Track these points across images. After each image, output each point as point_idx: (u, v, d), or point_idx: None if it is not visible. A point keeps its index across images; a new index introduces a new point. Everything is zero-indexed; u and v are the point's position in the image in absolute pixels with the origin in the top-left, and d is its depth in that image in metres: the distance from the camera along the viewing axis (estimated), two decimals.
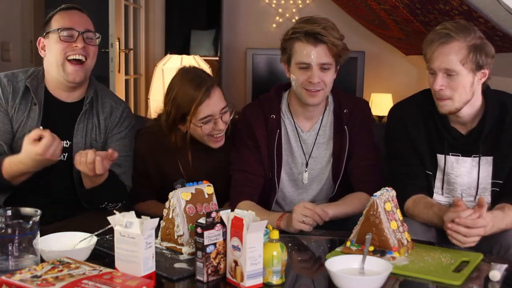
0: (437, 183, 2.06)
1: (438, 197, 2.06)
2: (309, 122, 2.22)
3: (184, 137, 2.16)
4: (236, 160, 2.20)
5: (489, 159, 1.99)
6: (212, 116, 2.09)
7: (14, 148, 2.01)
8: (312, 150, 2.21)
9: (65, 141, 2.03)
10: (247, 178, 2.15)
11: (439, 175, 2.05)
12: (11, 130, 2.02)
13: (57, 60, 1.99)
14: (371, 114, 2.33)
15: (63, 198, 2.06)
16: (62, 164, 2.02)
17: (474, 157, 1.99)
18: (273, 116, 2.19)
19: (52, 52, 2.01)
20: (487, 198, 1.99)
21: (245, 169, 2.16)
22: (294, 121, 2.21)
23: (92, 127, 2.09)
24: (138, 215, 2.20)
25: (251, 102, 2.30)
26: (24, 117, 2.02)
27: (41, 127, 1.88)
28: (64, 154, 2.03)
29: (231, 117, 2.17)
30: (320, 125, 2.22)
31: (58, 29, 1.99)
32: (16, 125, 2.02)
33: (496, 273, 1.48)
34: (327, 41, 2.03)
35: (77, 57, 1.99)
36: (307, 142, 2.21)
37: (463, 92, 1.90)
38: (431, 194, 2.05)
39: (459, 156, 2.01)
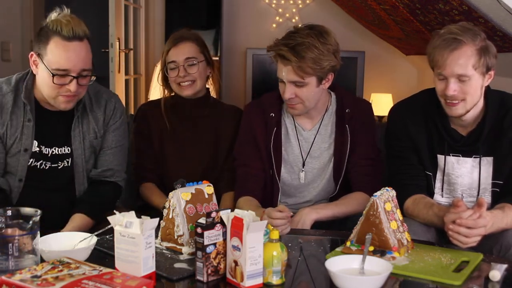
0: (437, 184, 2.06)
1: (438, 197, 2.06)
2: (311, 121, 2.23)
3: (169, 89, 2.42)
4: (239, 155, 2.27)
5: (490, 159, 1.98)
6: (176, 63, 2.33)
7: (7, 164, 1.97)
8: (310, 149, 2.22)
9: (65, 147, 2.01)
10: (249, 173, 2.21)
11: (439, 175, 2.05)
12: (3, 149, 1.95)
13: (49, 93, 1.91)
14: (373, 114, 2.33)
15: (65, 199, 2.03)
16: (66, 170, 2.02)
17: (474, 157, 1.99)
18: (272, 115, 2.22)
19: (43, 81, 1.90)
20: (487, 198, 1.99)
21: (247, 163, 2.22)
22: (294, 120, 2.23)
23: (88, 128, 2.04)
24: (142, 202, 2.29)
25: (253, 100, 2.35)
26: (18, 133, 1.94)
27: None
28: (67, 160, 2.02)
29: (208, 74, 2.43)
30: (321, 124, 2.23)
31: (52, 71, 1.85)
32: (9, 142, 1.95)
33: (496, 273, 1.48)
34: (292, 65, 2.04)
35: (69, 93, 1.90)
36: (309, 140, 2.23)
37: (475, 95, 1.90)
38: (431, 195, 2.05)
39: (459, 156, 2.01)
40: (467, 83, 1.87)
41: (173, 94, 2.44)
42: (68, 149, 2.02)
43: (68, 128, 2.02)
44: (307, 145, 2.23)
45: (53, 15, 1.91)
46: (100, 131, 2.07)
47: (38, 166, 1.98)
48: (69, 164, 2.03)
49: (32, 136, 1.96)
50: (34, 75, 1.96)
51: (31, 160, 1.97)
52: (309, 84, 2.08)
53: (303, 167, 2.23)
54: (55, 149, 2.00)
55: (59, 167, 2.01)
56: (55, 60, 1.86)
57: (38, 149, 1.98)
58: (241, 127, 2.31)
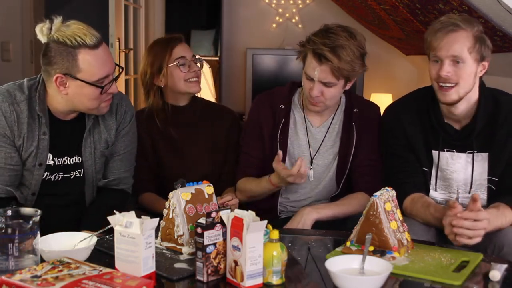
0: (432, 180, 2.06)
1: (433, 193, 2.07)
2: (320, 118, 2.24)
3: (160, 96, 2.38)
4: (243, 143, 2.31)
5: (485, 155, 1.99)
6: (186, 58, 2.32)
7: (23, 176, 1.92)
8: (319, 147, 2.22)
9: (76, 157, 1.98)
10: (251, 161, 2.25)
11: (434, 171, 2.05)
12: (20, 162, 1.89)
13: (91, 105, 1.87)
14: (380, 117, 2.33)
15: (77, 210, 2.02)
16: (78, 179, 2.00)
17: (468, 153, 2.00)
18: (282, 106, 2.23)
19: (83, 96, 1.85)
20: (483, 194, 2.01)
21: (250, 153, 2.26)
22: (304, 115, 2.24)
23: (99, 137, 2.00)
24: (142, 209, 2.26)
25: (265, 91, 2.35)
26: (34, 147, 1.89)
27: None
28: (78, 170, 1.99)
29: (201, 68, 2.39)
30: (331, 122, 2.24)
31: (97, 84, 1.83)
32: (25, 155, 1.89)
33: (496, 273, 1.48)
34: (331, 65, 2.02)
35: (110, 97, 1.91)
36: (316, 137, 2.23)
37: (467, 81, 1.92)
38: (428, 191, 2.06)
39: (453, 152, 2.02)
40: (461, 66, 1.90)
41: (156, 100, 2.39)
42: (79, 159, 1.99)
43: (80, 138, 1.98)
44: (316, 142, 2.23)
45: (55, 27, 1.80)
46: (112, 140, 2.03)
47: (53, 179, 1.95)
48: (81, 175, 2.00)
49: (47, 150, 1.91)
50: (45, 84, 1.90)
51: (46, 173, 1.93)
52: (338, 85, 2.09)
53: (311, 164, 2.23)
54: (66, 159, 1.96)
55: (71, 177, 1.98)
56: (94, 72, 1.81)
57: (52, 162, 1.94)
58: (248, 116, 2.34)
